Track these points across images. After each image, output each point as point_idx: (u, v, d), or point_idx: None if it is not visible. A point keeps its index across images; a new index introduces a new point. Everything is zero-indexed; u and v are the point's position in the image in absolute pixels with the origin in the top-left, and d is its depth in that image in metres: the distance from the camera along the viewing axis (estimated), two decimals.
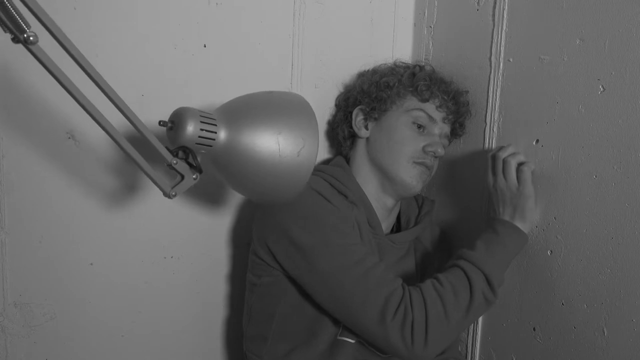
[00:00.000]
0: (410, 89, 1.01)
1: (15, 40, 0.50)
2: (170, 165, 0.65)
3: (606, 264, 0.85)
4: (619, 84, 0.81)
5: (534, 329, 0.97)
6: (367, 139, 1.04)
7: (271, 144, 0.69)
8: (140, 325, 1.04)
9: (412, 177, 0.99)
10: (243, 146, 0.68)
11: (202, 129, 0.65)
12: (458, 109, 1.04)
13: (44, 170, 0.90)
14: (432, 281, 0.88)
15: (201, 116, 0.66)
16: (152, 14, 0.94)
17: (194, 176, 0.67)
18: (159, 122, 0.66)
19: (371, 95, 1.03)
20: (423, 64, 1.10)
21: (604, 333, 0.86)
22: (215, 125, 0.67)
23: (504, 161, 0.94)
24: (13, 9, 0.48)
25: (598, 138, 0.85)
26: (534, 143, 0.96)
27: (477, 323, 1.10)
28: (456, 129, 1.07)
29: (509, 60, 1.00)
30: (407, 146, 0.99)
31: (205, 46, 0.99)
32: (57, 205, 0.92)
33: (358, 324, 0.86)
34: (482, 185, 1.05)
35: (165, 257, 1.04)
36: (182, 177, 0.67)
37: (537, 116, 0.95)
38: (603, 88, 0.84)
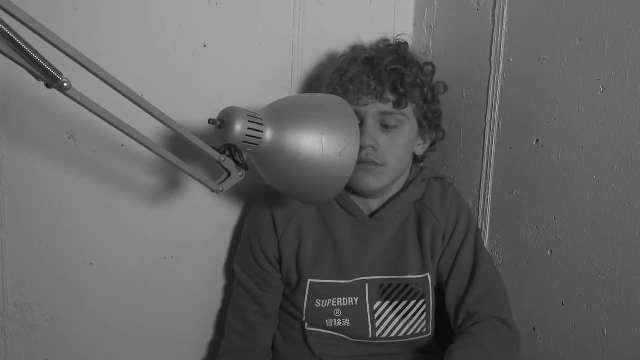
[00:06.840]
0: (340, 90, 0.93)
1: (49, 87, 0.51)
2: (218, 163, 0.67)
3: (606, 264, 0.85)
4: (619, 84, 0.81)
5: (534, 329, 0.97)
6: None
7: (315, 143, 0.71)
8: (140, 325, 1.04)
9: (356, 181, 0.92)
10: (287, 145, 0.70)
11: (249, 128, 0.67)
12: (385, 95, 0.91)
13: (44, 170, 0.90)
14: None
15: (249, 115, 0.68)
16: (152, 14, 0.94)
17: (240, 173, 0.70)
18: (209, 120, 0.68)
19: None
20: (360, 44, 1.00)
21: (604, 333, 0.86)
22: (262, 124, 0.69)
23: None
24: (43, 61, 0.49)
25: (598, 138, 0.85)
26: (534, 143, 0.96)
27: None
28: (420, 119, 0.95)
29: (509, 60, 1.00)
30: None
31: (205, 46, 0.99)
32: (57, 205, 0.92)
33: None
34: (479, 185, 1.06)
35: (165, 257, 1.04)
36: (229, 173, 0.69)
37: (537, 116, 0.94)
38: (603, 88, 0.84)
